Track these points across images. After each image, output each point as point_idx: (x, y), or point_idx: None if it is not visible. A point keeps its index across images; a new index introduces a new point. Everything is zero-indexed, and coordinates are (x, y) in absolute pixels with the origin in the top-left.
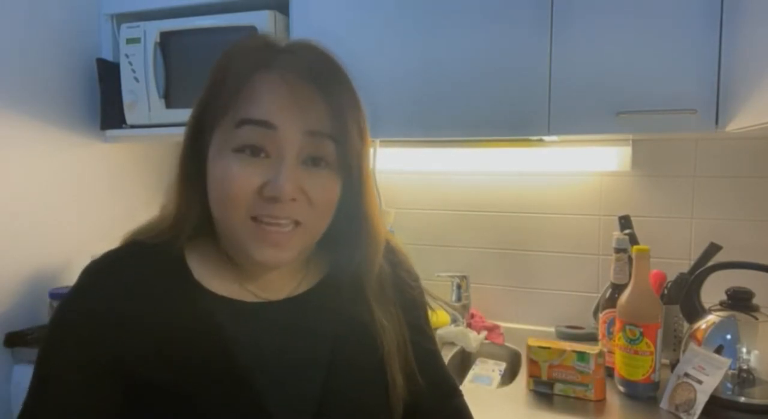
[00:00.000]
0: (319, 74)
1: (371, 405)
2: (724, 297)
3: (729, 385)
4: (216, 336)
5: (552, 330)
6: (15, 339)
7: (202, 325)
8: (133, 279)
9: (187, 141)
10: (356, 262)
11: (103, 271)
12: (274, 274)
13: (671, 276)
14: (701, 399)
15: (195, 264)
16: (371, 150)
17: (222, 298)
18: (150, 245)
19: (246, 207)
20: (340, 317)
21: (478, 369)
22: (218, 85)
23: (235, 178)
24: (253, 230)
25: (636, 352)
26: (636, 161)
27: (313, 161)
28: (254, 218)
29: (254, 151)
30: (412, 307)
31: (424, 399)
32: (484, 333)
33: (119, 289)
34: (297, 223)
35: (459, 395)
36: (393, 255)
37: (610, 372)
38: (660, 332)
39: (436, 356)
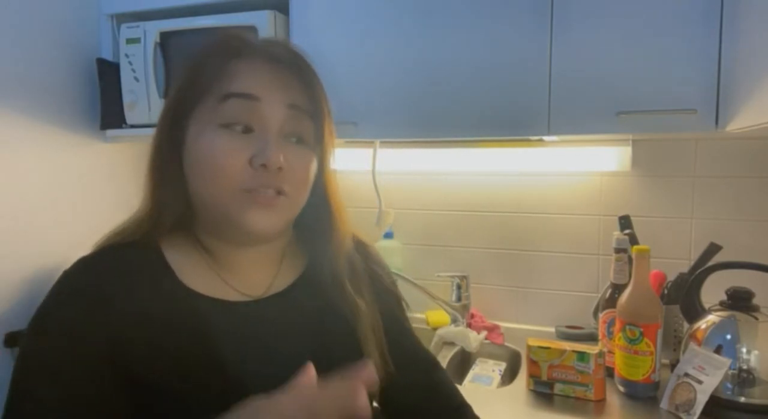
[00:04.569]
0: (293, 61)
1: None
2: (724, 297)
3: (729, 385)
4: (201, 336)
5: (552, 330)
6: (15, 339)
7: (187, 325)
8: (115, 282)
9: (162, 129)
10: (331, 249)
11: (81, 277)
12: (252, 265)
13: (671, 276)
14: (701, 399)
15: (174, 262)
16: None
17: (205, 297)
18: (126, 245)
19: (237, 180)
20: (320, 310)
21: (478, 369)
22: (196, 74)
23: (224, 151)
24: (243, 199)
25: (636, 352)
26: (636, 161)
27: (293, 137)
28: (245, 191)
29: (239, 127)
30: (386, 294)
31: (402, 375)
32: (484, 333)
33: (101, 293)
34: (281, 193)
35: (439, 369)
36: (363, 248)
37: (610, 372)
38: (660, 332)
39: (411, 335)
